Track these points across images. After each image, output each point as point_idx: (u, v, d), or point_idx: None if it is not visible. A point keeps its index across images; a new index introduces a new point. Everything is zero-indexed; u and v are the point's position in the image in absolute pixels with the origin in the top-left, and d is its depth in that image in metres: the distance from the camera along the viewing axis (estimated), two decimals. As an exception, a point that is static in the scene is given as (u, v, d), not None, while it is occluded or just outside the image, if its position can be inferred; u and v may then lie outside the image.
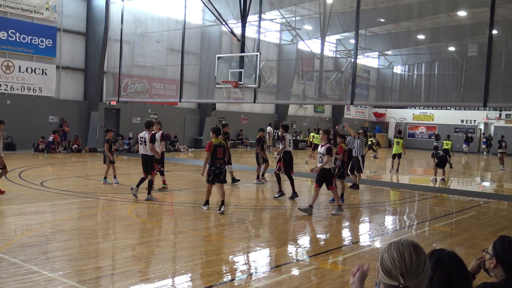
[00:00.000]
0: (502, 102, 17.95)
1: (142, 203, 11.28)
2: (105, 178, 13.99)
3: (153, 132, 11.75)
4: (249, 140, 33.76)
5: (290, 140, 13.42)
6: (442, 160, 18.56)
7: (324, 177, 10.77)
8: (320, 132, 11.35)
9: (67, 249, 7.17)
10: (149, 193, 11.49)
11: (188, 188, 14.26)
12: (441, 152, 19.33)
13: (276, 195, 12.97)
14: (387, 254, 2.04)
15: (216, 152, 10.41)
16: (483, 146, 41.10)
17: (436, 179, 18.65)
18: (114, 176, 14.14)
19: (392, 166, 22.01)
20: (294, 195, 12.75)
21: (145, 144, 11.55)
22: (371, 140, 30.31)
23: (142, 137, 11.65)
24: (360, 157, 15.31)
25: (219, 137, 10.86)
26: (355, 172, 15.37)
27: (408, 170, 24.30)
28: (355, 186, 15.35)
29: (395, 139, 22.12)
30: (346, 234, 9.50)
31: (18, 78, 23.27)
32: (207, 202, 10.68)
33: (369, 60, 42.16)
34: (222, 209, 10.27)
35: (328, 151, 10.69)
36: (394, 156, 21.69)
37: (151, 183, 11.60)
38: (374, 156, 29.41)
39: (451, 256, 2.50)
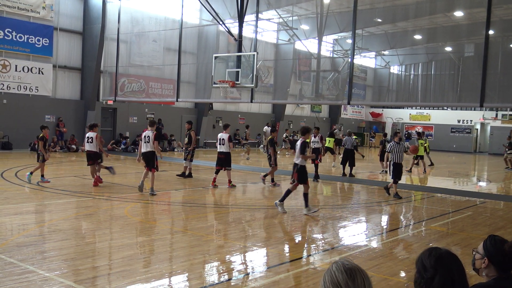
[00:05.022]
0: (499, 102, 17.98)
1: (139, 203, 11.27)
2: (42, 176, 13.41)
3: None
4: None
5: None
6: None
7: None
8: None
9: (64, 248, 7.16)
10: (306, 205, 10.64)
11: (185, 187, 14.26)
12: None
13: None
14: None
15: None
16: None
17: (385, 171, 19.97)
18: (41, 175, 13.41)
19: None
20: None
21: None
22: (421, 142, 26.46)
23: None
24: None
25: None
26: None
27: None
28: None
29: (419, 141, 22.55)
30: (342, 233, 9.51)
31: (15, 77, 23.21)
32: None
33: (366, 60, 42.19)
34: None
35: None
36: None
37: (306, 196, 10.63)
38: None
39: (450, 254, 2.48)
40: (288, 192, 10.70)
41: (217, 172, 14.35)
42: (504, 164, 26.27)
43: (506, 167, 25.92)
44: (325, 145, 24.12)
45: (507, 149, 26.16)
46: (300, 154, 10.49)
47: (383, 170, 20.29)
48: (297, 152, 10.62)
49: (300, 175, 10.53)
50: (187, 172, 16.06)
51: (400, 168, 13.69)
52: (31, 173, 13.29)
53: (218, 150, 14.43)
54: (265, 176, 15.23)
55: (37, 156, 13.53)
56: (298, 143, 10.64)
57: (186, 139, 16.26)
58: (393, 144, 13.67)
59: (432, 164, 24.69)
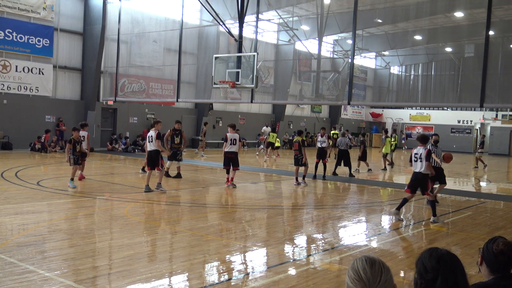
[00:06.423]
0: (499, 102, 17.98)
1: (139, 203, 11.28)
2: (72, 179, 13.03)
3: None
4: (246, 140, 33.75)
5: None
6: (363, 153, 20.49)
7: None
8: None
9: (64, 248, 7.16)
10: (434, 214, 10.45)
11: (184, 187, 14.26)
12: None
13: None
14: (347, 277, 2.17)
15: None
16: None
17: (359, 170, 20.52)
18: (71, 179, 12.99)
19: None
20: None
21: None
22: (388, 140, 23.83)
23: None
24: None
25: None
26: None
27: (405, 170, 24.33)
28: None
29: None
30: (342, 233, 9.51)
31: (15, 77, 23.23)
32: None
33: (366, 60, 42.22)
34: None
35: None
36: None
37: (433, 203, 10.53)
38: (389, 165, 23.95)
39: (451, 255, 2.47)
40: (405, 201, 10.61)
41: (228, 172, 14.52)
42: (481, 164, 26.21)
43: (475, 166, 26.00)
44: (268, 140, 25.10)
45: (479, 147, 26.54)
46: (426, 163, 10.17)
47: (356, 169, 20.42)
48: (422, 160, 10.20)
49: (424, 184, 10.36)
50: (177, 171, 16.11)
51: (442, 172, 12.89)
52: (72, 179, 12.96)
53: (228, 150, 14.47)
54: (301, 178, 15.68)
55: (69, 159, 13.25)
56: (423, 151, 10.20)
57: (177, 139, 15.86)
58: (432, 148, 12.71)
59: (392, 163, 24.32)
